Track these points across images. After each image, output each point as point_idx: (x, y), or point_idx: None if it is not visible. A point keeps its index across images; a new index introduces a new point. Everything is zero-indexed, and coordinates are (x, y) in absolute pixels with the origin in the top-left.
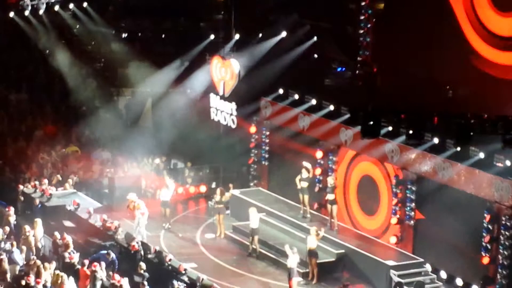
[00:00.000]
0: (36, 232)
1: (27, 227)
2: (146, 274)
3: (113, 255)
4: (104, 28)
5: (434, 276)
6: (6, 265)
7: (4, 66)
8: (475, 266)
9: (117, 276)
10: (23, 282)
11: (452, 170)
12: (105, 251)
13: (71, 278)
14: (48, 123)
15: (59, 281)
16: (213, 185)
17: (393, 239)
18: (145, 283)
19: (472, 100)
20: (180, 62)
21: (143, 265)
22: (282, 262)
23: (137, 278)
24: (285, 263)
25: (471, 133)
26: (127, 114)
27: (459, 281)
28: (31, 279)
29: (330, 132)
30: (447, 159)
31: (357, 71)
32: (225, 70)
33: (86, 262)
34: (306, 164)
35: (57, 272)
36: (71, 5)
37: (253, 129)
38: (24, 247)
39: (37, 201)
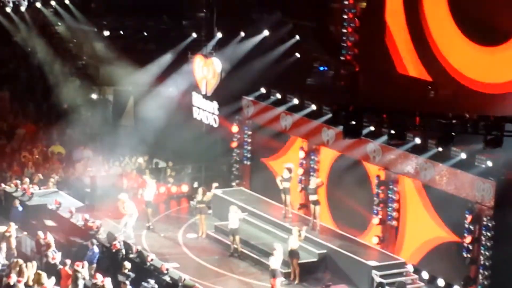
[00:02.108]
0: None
1: (12, 226)
2: (131, 274)
3: (95, 247)
4: (86, 26)
5: (416, 276)
6: None
7: None
8: (457, 266)
9: (99, 276)
10: (4, 282)
11: (434, 171)
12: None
13: (53, 278)
14: (30, 121)
15: (41, 281)
16: (195, 185)
17: (375, 239)
18: (127, 282)
19: (454, 100)
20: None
21: (127, 264)
22: (264, 262)
23: (121, 278)
24: (267, 263)
25: (453, 134)
26: (109, 112)
27: (441, 282)
28: (12, 278)
29: (312, 132)
30: (428, 159)
31: (340, 71)
32: (207, 68)
33: (68, 261)
34: (288, 164)
35: (39, 271)
36: (53, 2)
37: (235, 128)
38: (3, 246)
39: (17, 201)
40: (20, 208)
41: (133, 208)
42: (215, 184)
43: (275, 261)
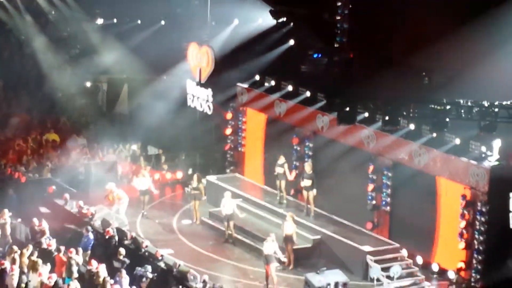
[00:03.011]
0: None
1: (6, 213)
2: (126, 260)
3: (90, 234)
4: (80, 14)
5: (410, 261)
6: None
7: None
8: (451, 251)
9: (94, 262)
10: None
11: (428, 156)
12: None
13: (48, 265)
14: (24, 110)
15: (36, 267)
16: (190, 171)
17: (370, 225)
18: (123, 271)
19: (448, 86)
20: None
21: (122, 250)
22: (259, 248)
23: (116, 264)
24: (262, 248)
25: (447, 119)
26: (103, 100)
27: (435, 266)
28: (6, 264)
29: (306, 118)
30: (423, 145)
31: (334, 58)
32: (201, 56)
33: (62, 248)
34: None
35: (34, 258)
36: None
37: (229, 115)
38: None
39: (11, 190)
40: (15, 196)
41: (123, 195)
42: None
43: (269, 248)
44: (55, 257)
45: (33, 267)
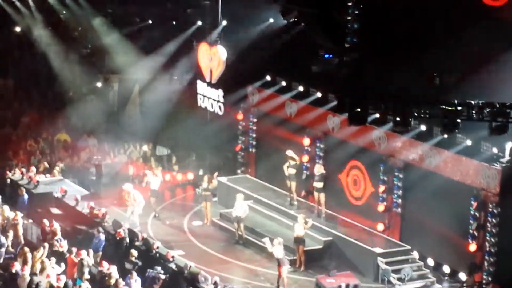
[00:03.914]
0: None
1: (19, 214)
2: (139, 262)
3: (101, 235)
4: (91, 14)
5: (421, 263)
6: None
7: None
8: (462, 253)
9: (105, 264)
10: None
11: (439, 157)
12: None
13: (62, 265)
14: (34, 109)
15: (43, 268)
16: (200, 172)
17: (381, 227)
18: (134, 273)
19: (459, 87)
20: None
21: (134, 252)
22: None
23: (128, 265)
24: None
25: (458, 120)
26: (114, 100)
27: (446, 268)
28: (16, 266)
29: (317, 119)
30: (434, 146)
31: (345, 58)
32: (212, 56)
33: (74, 249)
34: (290, 153)
35: (43, 259)
36: None
37: (240, 116)
38: (10, 234)
39: (23, 189)
40: (26, 196)
41: (139, 197)
42: (216, 174)
43: (279, 251)
44: (67, 259)
45: (43, 269)
